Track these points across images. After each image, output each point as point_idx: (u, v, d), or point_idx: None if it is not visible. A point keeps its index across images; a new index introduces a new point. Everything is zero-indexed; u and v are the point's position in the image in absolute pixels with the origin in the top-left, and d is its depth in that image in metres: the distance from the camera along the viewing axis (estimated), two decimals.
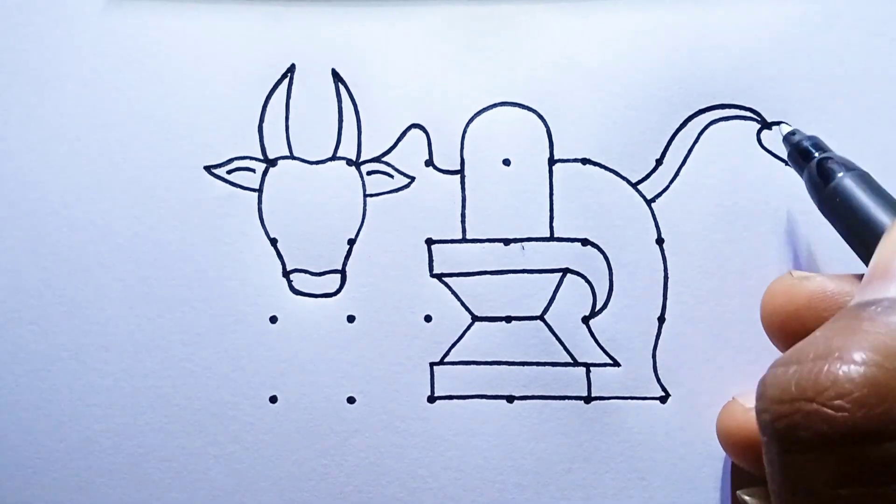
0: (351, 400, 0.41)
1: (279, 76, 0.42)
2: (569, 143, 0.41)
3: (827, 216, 0.35)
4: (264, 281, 0.41)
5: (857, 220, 0.33)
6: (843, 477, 0.24)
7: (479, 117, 0.42)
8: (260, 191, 0.41)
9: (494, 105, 0.42)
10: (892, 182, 0.41)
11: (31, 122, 0.41)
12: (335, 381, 0.41)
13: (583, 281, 0.41)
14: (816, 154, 0.36)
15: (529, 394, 0.41)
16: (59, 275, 0.41)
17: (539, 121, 0.41)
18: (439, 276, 0.41)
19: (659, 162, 0.41)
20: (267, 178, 0.41)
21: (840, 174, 0.34)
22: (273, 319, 0.41)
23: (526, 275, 0.41)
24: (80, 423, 0.40)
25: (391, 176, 0.41)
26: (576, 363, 0.41)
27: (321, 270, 0.41)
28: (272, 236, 0.41)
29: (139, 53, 0.42)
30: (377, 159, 0.41)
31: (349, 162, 0.41)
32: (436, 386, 0.41)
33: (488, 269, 0.41)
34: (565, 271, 0.41)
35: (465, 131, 0.42)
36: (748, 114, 0.41)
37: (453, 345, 0.41)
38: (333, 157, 0.42)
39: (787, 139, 0.38)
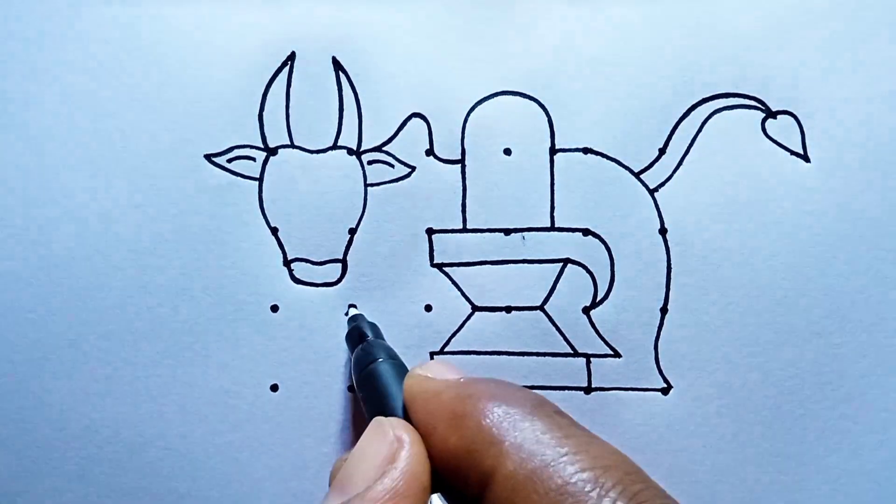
0: (352, 388, 0.41)
1: (279, 64, 0.41)
2: (570, 132, 0.41)
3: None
4: (265, 270, 0.41)
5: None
6: None
7: (480, 106, 0.41)
8: (260, 180, 0.41)
9: (496, 94, 0.41)
10: None
11: (31, 111, 0.41)
12: (336, 370, 0.41)
13: (584, 271, 0.41)
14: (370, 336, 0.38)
15: (529, 384, 0.41)
16: (59, 264, 0.41)
17: (540, 110, 0.41)
18: (440, 266, 0.41)
19: (662, 151, 0.41)
20: (267, 167, 0.41)
21: (380, 359, 0.36)
22: (274, 308, 0.41)
23: (526, 265, 0.41)
24: (80, 412, 0.40)
25: (392, 165, 0.41)
26: (576, 354, 0.41)
27: (322, 260, 0.41)
28: (273, 225, 0.41)
29: (139, 42, 0.41)
30: (378, 149, 0.41)
31: (350, 151, 0.41)
32: None
33: (489, 259, 0.41)
34: (566, 261, 0.41)
35: (466, 120, 0.41)
36: (752, 103, 0.41)
37: (453, 334, 0.41)
38: (334, 147, 0.41)
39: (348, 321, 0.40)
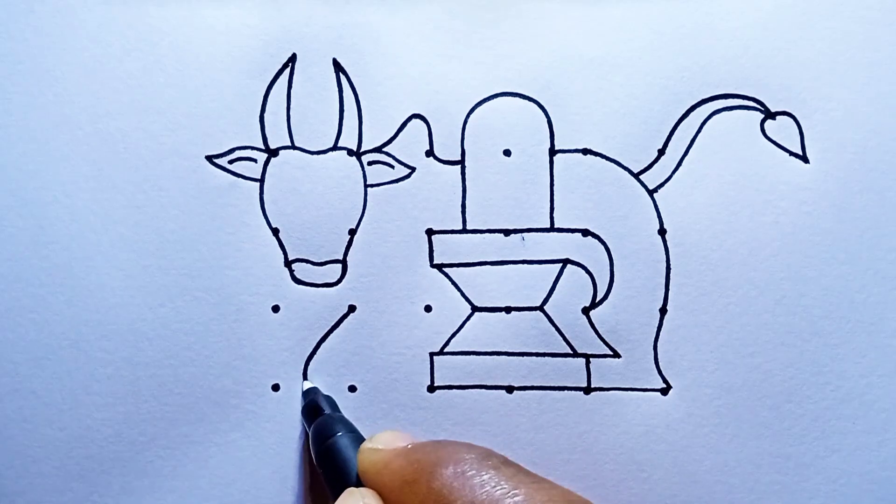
0: (352, 389, 0.41)
1: (280, 66, 0.42)
2: (570, 133, 0.41)
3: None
4: (266, 270, 0.41)
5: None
6: None
7: (479, 107, 0.41)
8: (261, 181, 0.41)
9: (495, 95, 0.41)
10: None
11: (33, 112, 0.41)
12: (336, 370, 0.41)
13: (583, 272, 0.41)
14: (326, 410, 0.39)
15: (529, 384, 0.41)
16: (60, 264, 0.41)
17: (540, 111, 0.41)
18: (439, 267, 0.41)
19: (661, 152, 0.41)
20: (268, 168, 0.41)
21: (339, 433, 0.37)
22: (275, 309, 0.41)
23: (526, 265, 0.41)
24: (81, 412, 0.40)
25: (392, 166, 0.41)
26: (575, 354, 0.41)
27: (322, 260, 0.41)
28: (274, 226, 0.41)
29: (140, 43, 0.42)
30: (378, 149, 0.41)
31: (350, 152, 0.41)
32: (435, 376, 0.41)
33: (488, 260, 0.41)
34: (565, 262, 0.41)
35: (465, 121, 0.41)
36: (751, 104, 0.41)
37: (453, 335, 0.41)
38: (334, 147, 0.42)
39: (304, 395, 0.41)
